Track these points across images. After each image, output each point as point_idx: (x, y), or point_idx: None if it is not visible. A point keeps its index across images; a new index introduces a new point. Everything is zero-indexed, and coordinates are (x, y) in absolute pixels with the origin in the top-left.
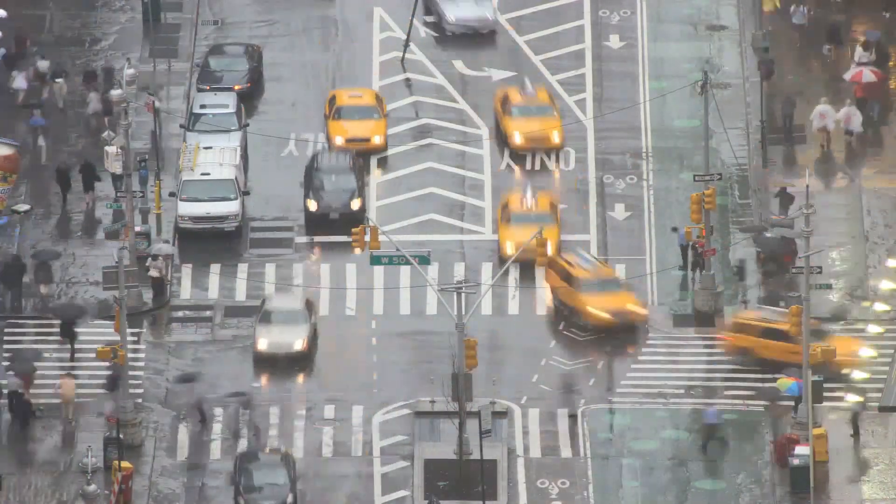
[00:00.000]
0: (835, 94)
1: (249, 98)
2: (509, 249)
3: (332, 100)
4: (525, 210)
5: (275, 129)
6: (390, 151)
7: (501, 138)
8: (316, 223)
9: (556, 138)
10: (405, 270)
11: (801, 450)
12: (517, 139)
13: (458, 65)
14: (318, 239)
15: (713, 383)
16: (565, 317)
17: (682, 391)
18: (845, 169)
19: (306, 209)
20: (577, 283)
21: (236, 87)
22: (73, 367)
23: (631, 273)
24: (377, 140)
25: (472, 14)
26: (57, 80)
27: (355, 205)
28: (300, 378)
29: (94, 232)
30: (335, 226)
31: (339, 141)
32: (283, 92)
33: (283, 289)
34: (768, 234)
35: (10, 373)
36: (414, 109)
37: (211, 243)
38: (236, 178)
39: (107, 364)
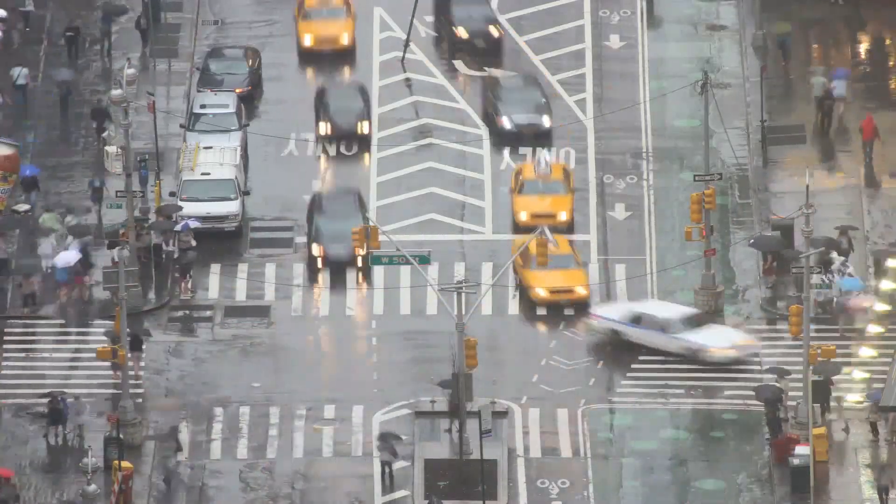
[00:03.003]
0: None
1: (249, 98)
2: (306, 42)
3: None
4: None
5: (275, 129)
6: (390, 151)
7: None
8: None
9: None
10: (405, 270)
11: (801, 450)
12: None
13: (458, 65)
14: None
15: (713, 383)
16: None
17: (682, 391)
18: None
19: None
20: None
21: (237, 91)
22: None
23: (631, 273)
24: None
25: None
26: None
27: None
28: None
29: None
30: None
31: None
32: (282, 92)
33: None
34: (768, 234)
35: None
36: (414, 109)
37: (211, 243)
38: (236, 178)
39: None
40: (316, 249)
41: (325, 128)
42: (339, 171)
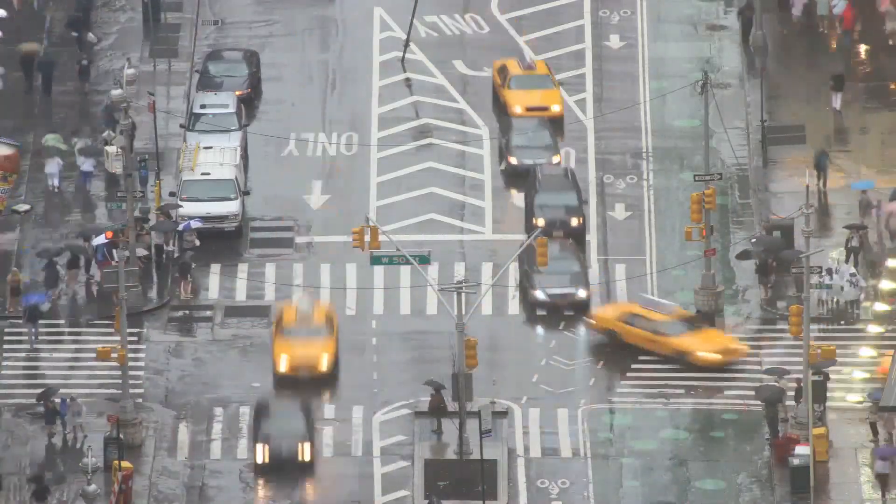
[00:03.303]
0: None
1: (249, 101)
2: (282, 366)
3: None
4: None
5: (275, 129)
6: (390, 151)
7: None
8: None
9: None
10: (405, 270)
11: (801, 450)
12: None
13: (458, 65)
14: (317, 239)
15: (713, 383)
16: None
17: (682, 391)
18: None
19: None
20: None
21: (237, 93)
22: None
23: (631, 273)
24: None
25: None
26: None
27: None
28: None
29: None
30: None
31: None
32: (282, 92)
33: None
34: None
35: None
36: (414, 109)
37: (211, 243)
38: (236, 178)
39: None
40: (260, 452)
41: (261, 453)
42: (340, 171)
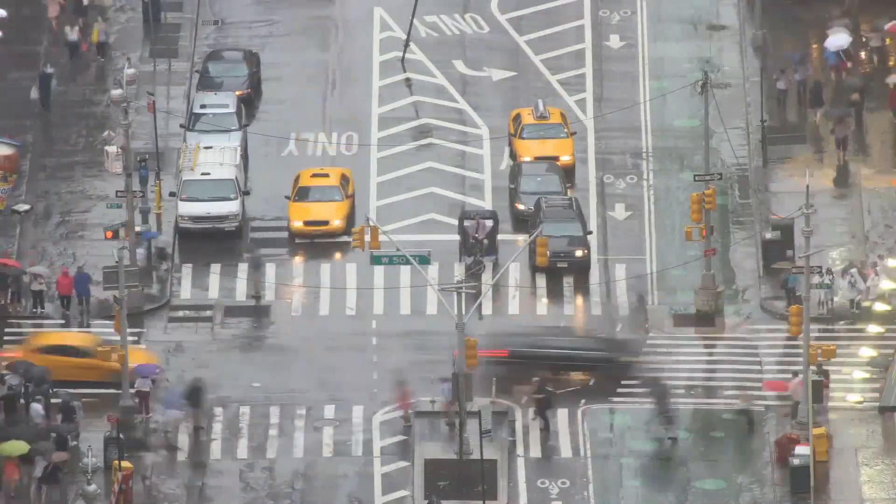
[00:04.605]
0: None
1: (248, 101)
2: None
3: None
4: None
5: (275, 129)
6: (390, 151)
7: None
8: None
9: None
10: (405, 270)
11: (801, 450)
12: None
13: (458, 65)
14: (317, 239)
15: (713, 383)
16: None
17: (682, 391)
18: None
19: None
20: None
21: (237, 93)
22: None
23: (631, 273)
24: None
25: None
26: None
27: None
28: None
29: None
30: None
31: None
32: (282, 92)
33: None
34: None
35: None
36: (414, 109)
37: (211, 243)
38: (236, 178)
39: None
40: None
41: None
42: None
